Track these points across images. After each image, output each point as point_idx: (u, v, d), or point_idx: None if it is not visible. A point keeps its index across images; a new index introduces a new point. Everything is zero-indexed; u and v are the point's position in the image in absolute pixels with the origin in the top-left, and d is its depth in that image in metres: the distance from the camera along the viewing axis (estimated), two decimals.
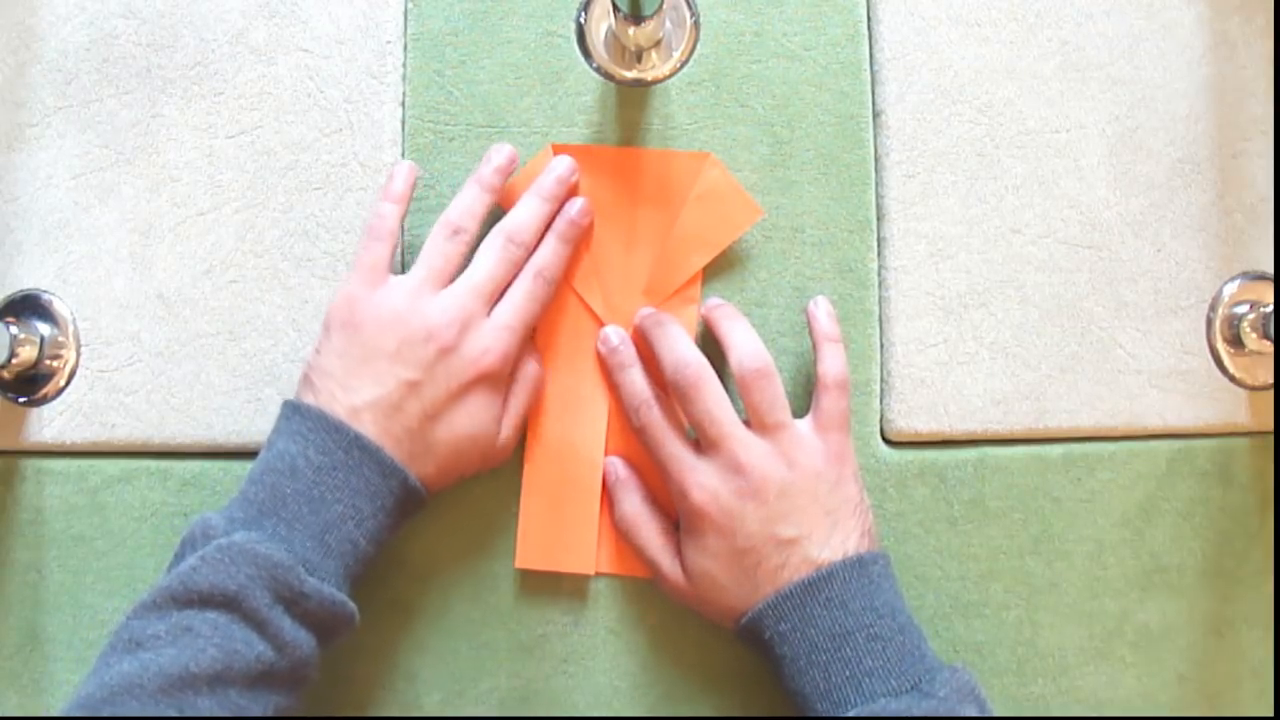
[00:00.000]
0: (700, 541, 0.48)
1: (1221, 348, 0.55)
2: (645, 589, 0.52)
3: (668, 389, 0.50)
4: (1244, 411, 0.55)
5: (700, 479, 0.48)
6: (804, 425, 0.49)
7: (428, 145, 0.54)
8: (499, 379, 0.48)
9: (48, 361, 0.53)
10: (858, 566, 0.46)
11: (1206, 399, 0.54)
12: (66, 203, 0.54)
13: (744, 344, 0.49)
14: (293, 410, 0.47)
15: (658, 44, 0.52)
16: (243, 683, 0.41)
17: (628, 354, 0.51)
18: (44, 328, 0.53)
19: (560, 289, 0.52)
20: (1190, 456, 0.54)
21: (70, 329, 0.53)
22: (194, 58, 0.54)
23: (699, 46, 0.53)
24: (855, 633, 0.45)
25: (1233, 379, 0.55)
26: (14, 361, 0.51)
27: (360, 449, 0.45)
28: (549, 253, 0.51)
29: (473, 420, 0.48)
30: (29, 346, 0.51)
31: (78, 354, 0.53)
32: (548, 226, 0.51)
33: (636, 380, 0.51)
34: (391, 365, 0.46)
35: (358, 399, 0.46)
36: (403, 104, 0.54)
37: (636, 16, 0.46)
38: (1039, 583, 0.53)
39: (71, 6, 0.55)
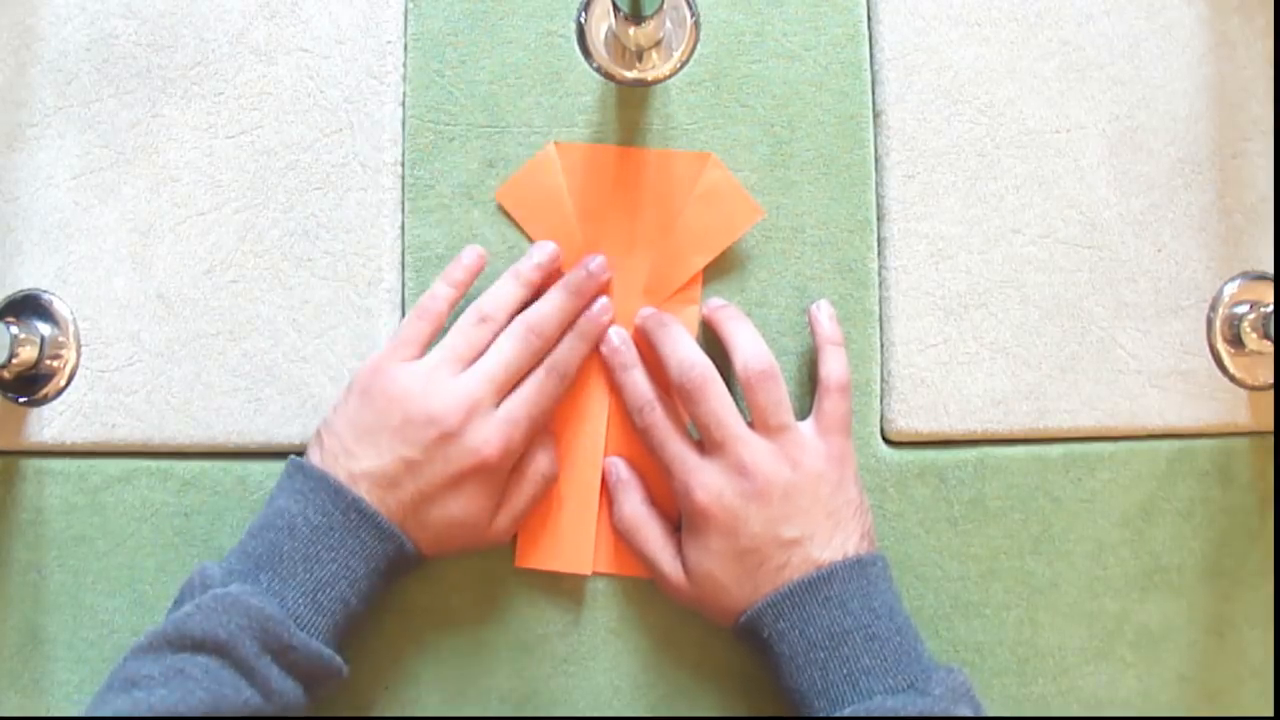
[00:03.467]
0: (703, 541, 0.48)
1: (1221, 348, 0.55)
2: (645, 589, 0.52)
3: (671, 390, 0.50)
4: (1244, 411, 0.55)
5: (705, 480, 0.48)
6: (806, 427, 0.49)
7: (428, 145, 0.54)
8: (496, 471, 0.48)
9: (48, 361, 0.53)
10: (856, 567, 0.47)
11: (1206, 399, 0.54)
12: (66, 203, 0.54)
13: (748, 345, 0.49)
14: (296, 469, 0.48)
15: (658, 44, 0.52)
16: None
17: (630, 354, 0.52)
18: (44, 328, 0.53)
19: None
20: (1190, 456, 0.54)
21: (70, 329, 0.53)
22: (194, 58, 0.54)
23: (699, 46, 0.53)
24: (853, 632, 0.45)
25: (1233, 379, 0.55)
26: (14, 361, 0.51)
27: (358, 512, 0.46)
28: (567, 350, 0.51)
29: (464, 509, 0.48)
30: (29, 346, 0.51)
31: (78, 354, 0.53)
32: (572, 321, 0.51)
33: (639, 381, 0.51)
34: (393, 441, 0.47)
35: (357, 466, 0.47)
36: (403, 104, 0.54)
37: (636, 16, 0.46)
38: (1039, 583, 0.53)
39: (71, 6, 0.55)
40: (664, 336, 0.50)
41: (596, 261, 0.52)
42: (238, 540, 0.48)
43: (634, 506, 0.51)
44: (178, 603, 0.46)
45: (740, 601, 0.47)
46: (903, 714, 0.43)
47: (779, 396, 0.48)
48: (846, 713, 0.44)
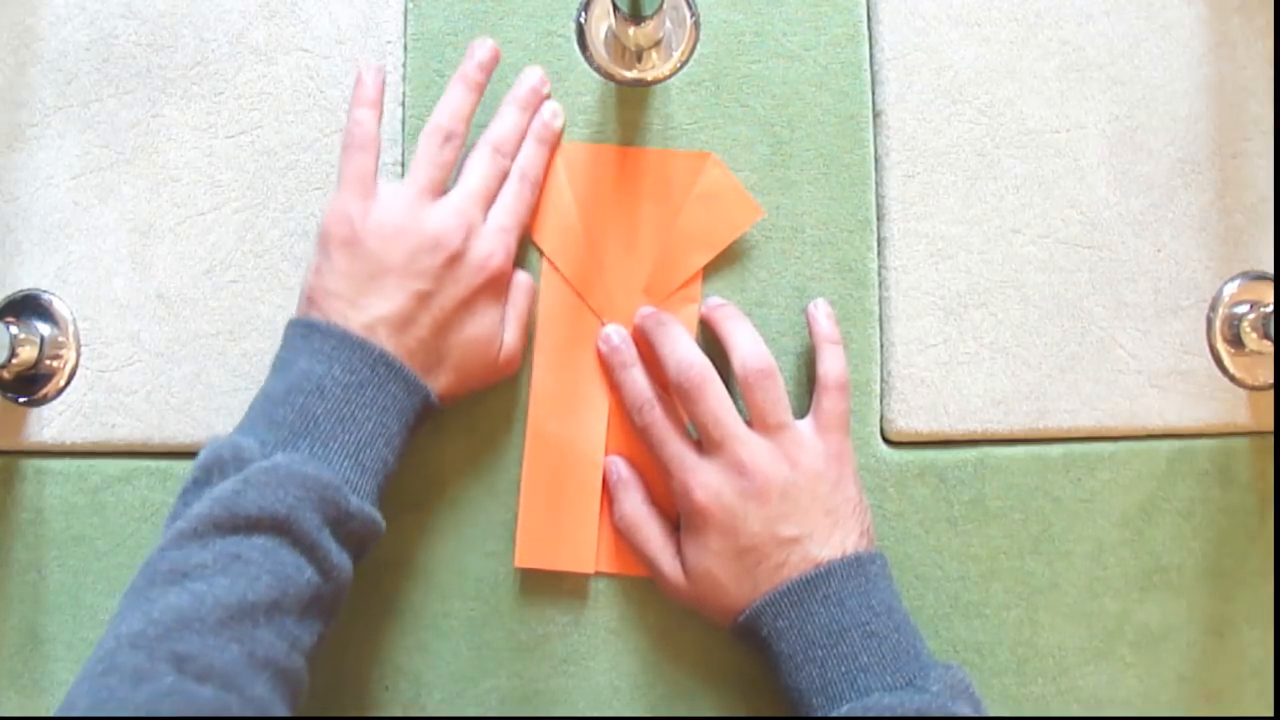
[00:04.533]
0: (702, 541, 0.48)
1: (1221, 348, 0.55)
2: (645, 589, 0.52)
3: (670, 389, 0.50)
4: (1244, 411, 0.55)
5: (703, 479, 0.48)
6: (805, 426, 0.49)
7: None
8: (504, 281, 0.49)
9: (48, 361, 0.53)
10: (855, 565, 0.47)
11: (1206, 399, 0.54)
12: (66, 203, 0.54)
13: (746, 344, 0.49)
14: (308, 329, 0.46)
15: (658, 44, 0.52)
16: (296, 610, 0.40)
17: (629, 353, 0.52)
18: (44, 328, 0.53)
19: (561, 288, 0.53)
20: (1190, 456, 0.54)
21: (70, 329, 0.53)
22: (194, 58, 0.54)
23: (699, 46, 0.53)
24: (851, 629, 0.45)
25: (1233, 379, 0.55)
26: (14, 361, 0.51)
27: (386, 365, 0.45)
28: (531, 154, 0.51)
29: (480, 327, 0.48)
30: (29, 346, 0.51)
31: (78, 354, 0.53)
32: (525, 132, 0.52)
33: (638, 380, 0.51)
34: (401, 279, 0.46)
35: (369, 315, 0.46)
36: (403, 104, 0.54)
37: (636, 16, 0.46)
38: (1039, 583, 0.53)
39: (71, 6, 0.55)
40: (662, 336, 0.50)
41: (535, 74, 0.52)
42: (246, 413, 0.45)
43: (634, 505, 0.51)
44: (200, 482, 0.42)
45: (739, 600, 0.47)
46: (900, 712, 0.43)
47: (777, 395, 0.48)
48: (844, 710, 0.44)
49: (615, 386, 0.52)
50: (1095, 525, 0.54)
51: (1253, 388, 0.55)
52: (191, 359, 0.53)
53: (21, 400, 0.53)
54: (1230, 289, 0.55)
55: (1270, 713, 0.54)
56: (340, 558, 0.42)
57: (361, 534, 0.44)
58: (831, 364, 0.50)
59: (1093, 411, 0.54)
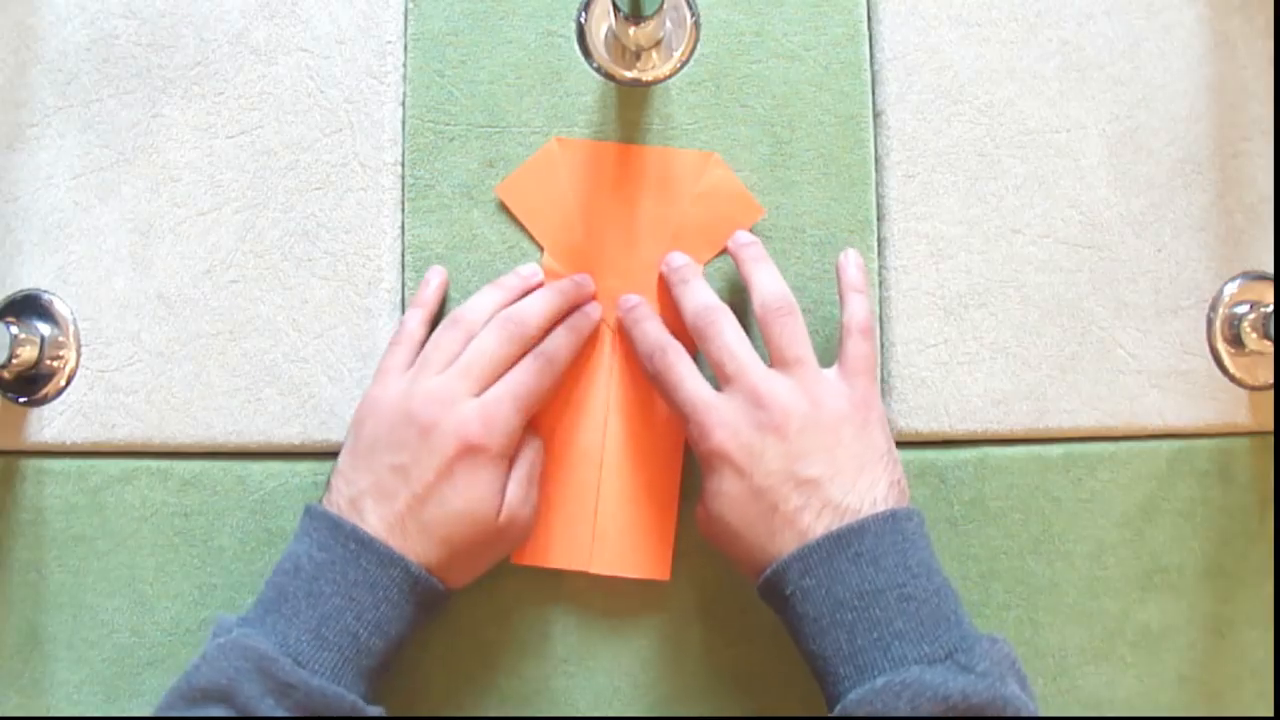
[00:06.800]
0: (717, 485, 0.46)
1: (1221, 348, 0.55)
2: (645, 589, 0.52)
3: (688, 336, 0.49)
4: (1244, 411, 0.55)
5: (721, 416, 0.45)
6: (830, 371, 0.48)
7: (428, 145, 0.54)
8: (486, 451, 0.46)
9: (48, 361, 0.53)
10: (890, 521, 0.43)
11: (1206, 399, 0.54)
12: (66, 203, 0.54)
13: (767, 284, 0.48)
14: (305, 512, 0.47)
15: (658, 44, 0.52)
16: None
17: (644, 310, 0.51)
18: (44, 328, 0.53)
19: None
20: (1190, 456, 0.54)
21: (70, 329, 0.53)
22: (194, 58, 0.54)
23: (699, 46, 0.53)
24: (886, 591, 0.42)
25: (1233, 379, 0.55)
26: (14, 361, 0.51)
27: (357, 541, 0.45)
28: (558, 338, 0.50)
29: (464, 497, 0.46)
30: (29, 346, 0.51)
31: (78, 354, 0.53)
32: (555, 321, 0.51)
33: (651, 330, 0.50)
34: (383, 454, 0.46)
35: (355, 489, 0.46)
36: (403, 104, 0.54)
37: (636, 16, 0.46)
38: (1039, 583, 0.53)
39: (71, 6, 0.55)
40: (684, 288, 0.50)
41: (583, 276, 0.52)
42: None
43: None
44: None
45: (756, 550, 0.45)
46: (945, 696, 0.39)
47: (795, 331, 0.47)
48: (879, 682, 0.40)
49: (630, 341, 0.51)
50: (1095, 525, 0.54)
51: (1253, 388, 0.55)
52: (191, 359, 0.53)
53: (21, 400, 0.53)
54: (1230, 289, 0.55)
55: (1270, 713, 0.54)
56: None
57: (314, 705, 0.42)
58: (855, 309, 0.49)
59: (1093, 411, 0.54)
